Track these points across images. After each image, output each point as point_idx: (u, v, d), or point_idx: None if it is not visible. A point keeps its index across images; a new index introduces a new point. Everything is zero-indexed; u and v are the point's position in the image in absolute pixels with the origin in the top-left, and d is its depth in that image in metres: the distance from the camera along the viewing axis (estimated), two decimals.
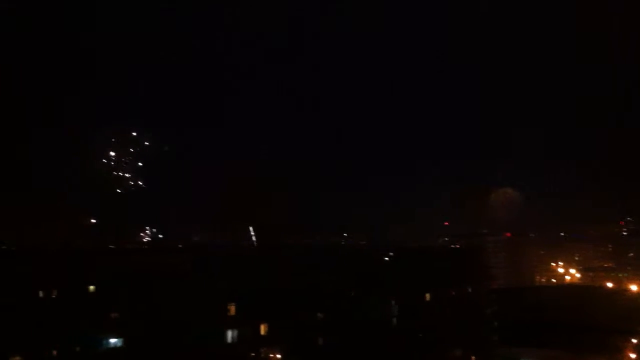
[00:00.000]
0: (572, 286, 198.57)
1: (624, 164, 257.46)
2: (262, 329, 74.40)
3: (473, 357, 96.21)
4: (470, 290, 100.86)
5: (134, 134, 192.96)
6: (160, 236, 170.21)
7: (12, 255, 76.57)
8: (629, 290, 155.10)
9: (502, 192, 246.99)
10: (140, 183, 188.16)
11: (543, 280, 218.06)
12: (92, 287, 71.66)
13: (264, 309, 73.28)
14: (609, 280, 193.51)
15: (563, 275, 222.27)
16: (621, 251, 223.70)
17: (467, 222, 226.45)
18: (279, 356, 74.37)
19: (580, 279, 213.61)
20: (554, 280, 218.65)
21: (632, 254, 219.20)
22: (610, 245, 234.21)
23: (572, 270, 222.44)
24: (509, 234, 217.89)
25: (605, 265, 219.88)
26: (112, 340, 70.52)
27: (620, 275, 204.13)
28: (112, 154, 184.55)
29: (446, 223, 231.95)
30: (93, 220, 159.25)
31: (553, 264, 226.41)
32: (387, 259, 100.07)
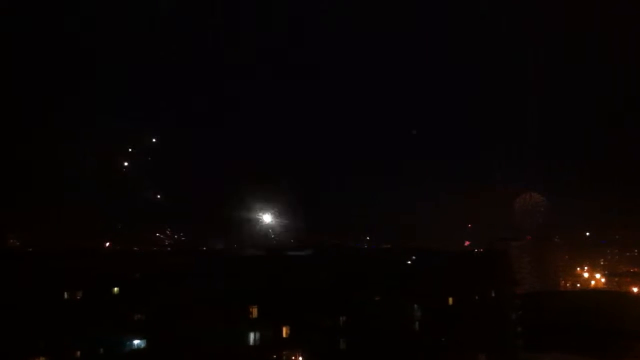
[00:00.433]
0: (597, 291, 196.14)
1: None
2: (284, 332, 74.37)
3: None
4: (494, 294, 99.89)
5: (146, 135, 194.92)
6: (183, 238, 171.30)
7: (36, 257, 77.43)
8: None
9: (527, 196, 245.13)
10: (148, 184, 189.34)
11: (568, 285, 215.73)
12: (116, 289, 72.24)
13: (286, 312, 73.25)
14: (634, 286, 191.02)
15: (588, 280, 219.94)
16: None
17: (491, 226, 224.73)
18: (300, 359, 74.30)
19: (605, 284, 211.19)
20: (578, 285, 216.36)
21: None
22: (636, 250, 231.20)
23: (597, 275, 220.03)
24: (533, 238, 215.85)
25: (631, 270, 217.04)
26: (135, 342, 71.02)
27: None
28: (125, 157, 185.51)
29: (469, 226, 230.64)
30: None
31: (578, 269, 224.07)
32: (409, 262, 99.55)
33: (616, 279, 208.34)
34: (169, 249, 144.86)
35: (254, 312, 72.44)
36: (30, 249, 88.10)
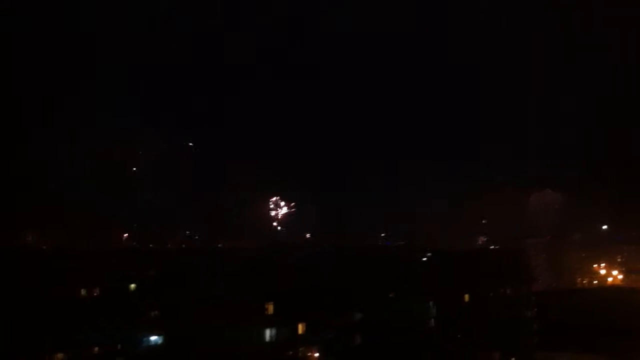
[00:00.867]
0: (614, 289, 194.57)
1: None
2: (300, 329, 74.59)
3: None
4: (509, 292, 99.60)
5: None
6: (196, 237, 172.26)
7: (54, 255, 78.16)
8: None
9: (543, 193, 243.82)
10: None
11: (584, 282, 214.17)
12: (132, 286, 72.81)
13: (302, 309, 73.48)
14: None
15: (605, 277, 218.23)
16: None
17: (507, 224, 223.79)
18: (316, 355, 74.53)
19: (622, 281, 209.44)
20: (595, 283, 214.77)
21: None
22: None
23: (615, 272, 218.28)
24: (549, 237, 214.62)
25: None
26: (153, 338, 71.57)
27: None
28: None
29: (484, 221, 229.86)
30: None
31: (595, 266, 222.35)
32: (425, 259, 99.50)
33: (634, 276, 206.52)
34: (183, 246, 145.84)
35: (270, 309, 72.71)
36: (46, 247, 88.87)
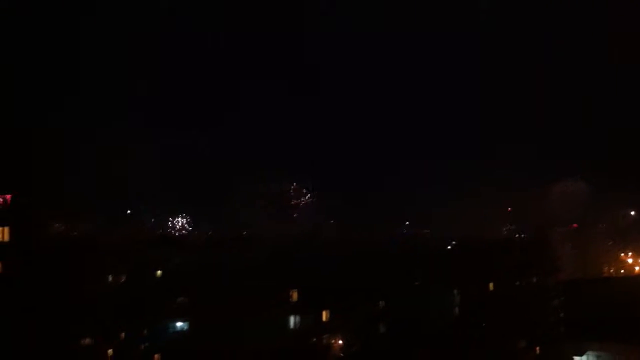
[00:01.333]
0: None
1: None
2: (324, 316, 74.73)
3: (537, 349, 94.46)
4: (535, 281, 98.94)
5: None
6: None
7: (82, 242, 79.07)
8: None
9: (569, 182, 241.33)
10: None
11: (611, 271, 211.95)
12: (158, 272, 73.45)
13: (326, 297, 73.56)
14: None
15: (632, 266, 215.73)
16: None
17: (533, 213, 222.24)
18: (340, 342, 74.63)
19: None
20: (622, 272, 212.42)
21: None
22: None
23: None
24: (575, 225, 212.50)
25: None
26: (178, 324, 72.18)
27: None
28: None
29: (509, 209, 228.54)
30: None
31: (622, 255, 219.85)
32: (449, 248, 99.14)
33: None
34: (209, 233, 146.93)
35: (294, 296, 72.91)
36: (76, 233, 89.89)
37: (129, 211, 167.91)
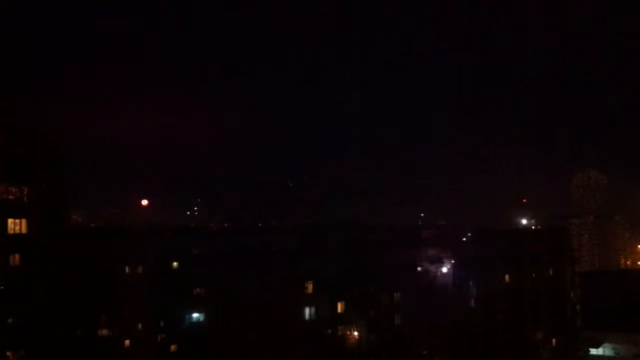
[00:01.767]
0: None
1: None
2: (340, 307, 74.62)
3: (554, 340, 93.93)
4: (552, 273, 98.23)
5: None
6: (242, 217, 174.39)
7: (100, 233, 79.58)
8: None
9: (587, 174, 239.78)
10: None
11: (628, 263, 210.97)
12: (175, 264, 73.79)
13: (341, 287, 73.48)
14: None
15: None
16: None
17: (551, 204, 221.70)
18: (355, 333, 74.46)
19: None
20: (639, 263, 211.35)
21: None
22: None
23: None
24: (592, 217, 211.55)
25: None
26: (194, 315, 72.52)
27: None
28: None
29: (525, 201, 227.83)
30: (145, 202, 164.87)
31: (639, 247, 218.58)
32: (465, 239, 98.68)
33: None
34: (225, 225, 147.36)
35: (309, 287, 72.85)
36: (94, 225, 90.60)
37: (145, 202, 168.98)
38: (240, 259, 72.42)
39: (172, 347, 71.27)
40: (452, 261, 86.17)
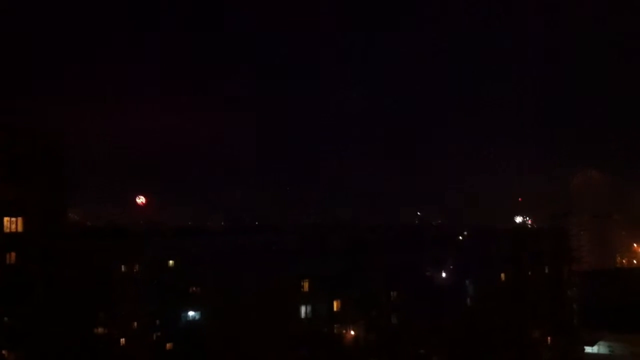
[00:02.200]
0: None
1: None
2: (336, 306, 74.79)
3: (549, 339, 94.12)
4: (550, 271, 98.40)
5: None
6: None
7: (95, 232, 79.61)
8: None
9: (586, 173, 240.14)
10: None
11: (624, 262, 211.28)
12: (171, 262, 73.89)
13: (337, 286, 73.63)
14: None
15: None
16: None
17: (550, 203, 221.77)
18: (352, 332, 74.66)
19: None
20: (635, 262, 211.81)
21: None
22: None
23: None
24: (590, 215, 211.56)
25: None
26: (190, 314, 72.65)
27: None
28: None
29: (520, 199, 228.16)
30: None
31: (635, 245, 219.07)
32: (461, 238, 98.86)
33: None
34: (222, 223, 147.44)
35: (306, 286, 73.01)
36: (92, 224, 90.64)
37: (141, 199, 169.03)
38: (237, 257, 72.60)
39: (168, 345, 71.39)
40: (449, 260, 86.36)
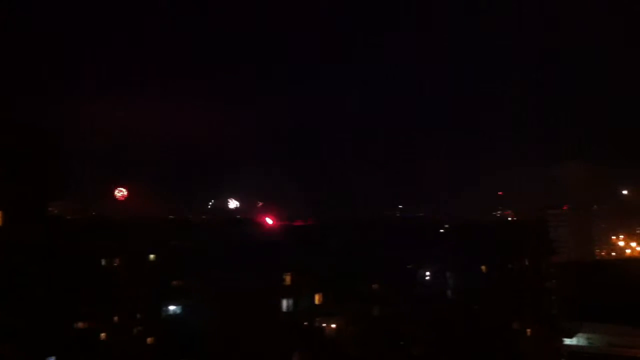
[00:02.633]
0: (633, 260, 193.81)
1: None
2: (317, 299, 74.94)
3: (529, 330, 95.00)
4: (529, 263, 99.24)
5: None
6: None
7: (74, 224, 78.80)
8: None
9: (566, 165, 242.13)
10: None
11: (603, 254, 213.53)
12: (152, 256, 73.33)
13: (319, 280, 73.76)
14: None
15: (623, 248, 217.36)
16: None
17: (529, 195, 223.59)
18: (333, 326, 74.89)
19: None
20: (613, 254, 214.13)
21: None
22: None
23: (633, 244, 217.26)
24: (569, 207, 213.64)
25: None
26: (171, 308, 72.30)
27: None
28: None
29: (500, 193, 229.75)
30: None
31: (613, 238, 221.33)
32: (443, 231, 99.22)
33: None
34: (203, 217, 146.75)
35: (287, 279, 73.04)
36: (70, 217, 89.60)
37: (122, 192, 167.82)
38: (218, 250, 72.47)
39: (149, 340, 70.93)
40: (430, 252, 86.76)
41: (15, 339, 55.52)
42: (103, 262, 70.17)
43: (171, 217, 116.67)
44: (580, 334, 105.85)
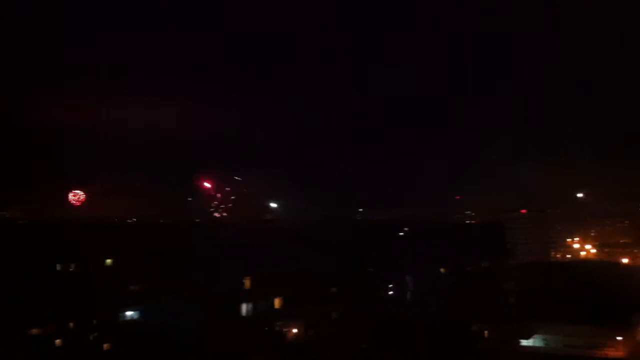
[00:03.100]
0: (588, 262, 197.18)
1: None
2: (277, 303, 74.64)
3: (486, 332, 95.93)
4: (487, 265, 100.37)
5: None
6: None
7: (30, 228, 77.18)
8: None
9: (524, 167, 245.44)
10: None
11: (558, 256, 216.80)
12: (109, 261, 72.18)
13: (278, 284, 73.47)
14: (625, 257, 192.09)
15: (578, 250, 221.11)
16: (639, 227, 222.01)
17: (486, 197, 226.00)
18: (295, 330, 74.71)
19: (596, 254, 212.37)
20: (569, 256, 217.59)
21: None
22: (627, 221, 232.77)
23: (588, 246, 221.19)
24: (525, 210, 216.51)
25: (622, 241, 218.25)
26: (129, 313, 71.23)
27: (636, 251, 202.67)
28: None
29: (457, 197, 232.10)
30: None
31: (569, 240, 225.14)
32: (402, 234, 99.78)
33: (607, 250, 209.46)
34: (160, 221, 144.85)
35: (247, 283, 72.62)
36: (23, 221, 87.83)
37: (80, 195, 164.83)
38: (176, 254, 71.67)
39: (105, 346, 69.74)
40: (388, 255, 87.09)
41: None
42: (58, 267, 68.85)
43: (133, 219, 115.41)
44: (536, 335, 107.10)
